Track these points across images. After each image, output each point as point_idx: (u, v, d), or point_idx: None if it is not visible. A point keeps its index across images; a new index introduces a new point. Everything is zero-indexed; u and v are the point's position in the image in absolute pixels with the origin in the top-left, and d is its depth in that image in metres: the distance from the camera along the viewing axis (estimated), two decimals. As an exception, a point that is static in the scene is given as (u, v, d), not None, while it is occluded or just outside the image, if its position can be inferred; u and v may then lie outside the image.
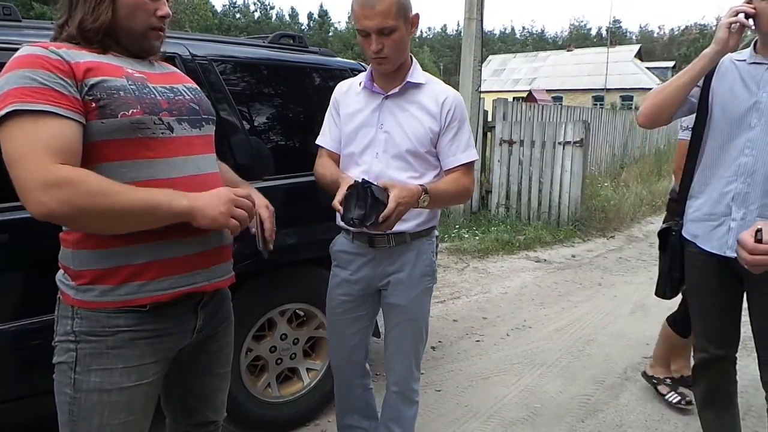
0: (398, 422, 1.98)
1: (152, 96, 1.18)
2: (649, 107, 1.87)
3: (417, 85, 1.72)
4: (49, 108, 1.03)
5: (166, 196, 1.10)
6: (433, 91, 1.73)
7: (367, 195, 1.48)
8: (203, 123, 1.30)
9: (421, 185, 1.62)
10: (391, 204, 1.49)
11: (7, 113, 1.01)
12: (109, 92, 1.11)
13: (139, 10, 1.20)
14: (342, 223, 1.80)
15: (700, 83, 1.82)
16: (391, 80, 1.71)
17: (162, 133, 1.17)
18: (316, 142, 1.86)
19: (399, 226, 1.62)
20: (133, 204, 1.05)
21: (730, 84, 1.76)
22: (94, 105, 1.10)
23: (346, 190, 1.52)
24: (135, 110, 1.13)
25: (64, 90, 1.06)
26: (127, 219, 1.07)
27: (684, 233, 1.91)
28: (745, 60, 1.76)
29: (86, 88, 1.09)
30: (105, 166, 1.11)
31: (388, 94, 1.72)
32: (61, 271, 1.21)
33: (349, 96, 1.79)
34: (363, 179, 1.53)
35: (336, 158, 1.83)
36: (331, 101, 1.85)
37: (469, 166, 1.76)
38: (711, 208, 1.80)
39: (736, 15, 1.65)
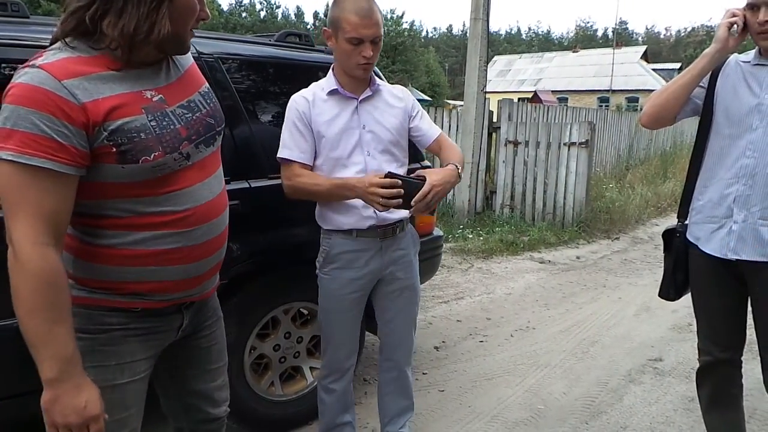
0: (409, 407, 2.20)
1: (172, 127, 1.14)
2: (651, 107, 1.87)
3: (380, 88, 1.90)
4: (45, 164, 0.98)
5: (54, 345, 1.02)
6: (388, 88, 1.94)
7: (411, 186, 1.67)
8: (216, 137, 1.28)
9: (451, 164, 1.83)
10: (425, 188, 1.66)
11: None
12: (130, 136, 1.06)
13: (190, 14, 1.13)
14: (346, 228, 1.85)
15: (705, 84, 1.82)
16: (358, 85, 1.83)
17: (179, 165, 1.16)
18: (283, 156, 1.81)
19: (401, 214, 1.87)
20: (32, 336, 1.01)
21: (734, 85, 1.76)
22: (114, 150, 1.05)
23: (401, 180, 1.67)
24: (156, 153, 1.10)
25: (65, 140, 0.99)
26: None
27: (687, 235, 1.90)
28: (749, 61, 1.76)
29: (105, 133, 1.04)
30: (121, 202, 1.11)
31: (362, 97, 1.83)
32: None
33: (318, 105, 1.81)
34: (395, 173, 1.71)
35: (309, 170, 1.84)
36: (293, 115, 1.81)
37: (443, 134, 2.01)
38: (712, 210, 1.80)
39: (734, 16, 1.67)
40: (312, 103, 1.81)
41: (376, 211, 1.81)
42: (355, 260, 1.88)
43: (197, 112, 1.22)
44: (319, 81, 1.87)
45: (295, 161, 1.81)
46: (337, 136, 1.80)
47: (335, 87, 1.80)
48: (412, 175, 1.71)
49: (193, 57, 2.00)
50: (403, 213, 1.89)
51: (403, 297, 2.01)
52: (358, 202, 1.79)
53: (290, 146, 1.82)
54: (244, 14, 60.23)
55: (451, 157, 1.88)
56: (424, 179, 1.68)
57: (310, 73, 2.47)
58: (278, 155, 1.83)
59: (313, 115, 1.80)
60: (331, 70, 1.84)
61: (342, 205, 1.84)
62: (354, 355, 2.05)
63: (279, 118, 2.36)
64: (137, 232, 1.13)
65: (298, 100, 1.83)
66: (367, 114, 1.83)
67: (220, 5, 51.46)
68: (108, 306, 1.16)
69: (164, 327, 1.26)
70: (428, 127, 1.96)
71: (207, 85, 1.33)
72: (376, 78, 1.90)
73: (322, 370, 2.06)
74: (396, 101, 1.90)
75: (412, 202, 1.66)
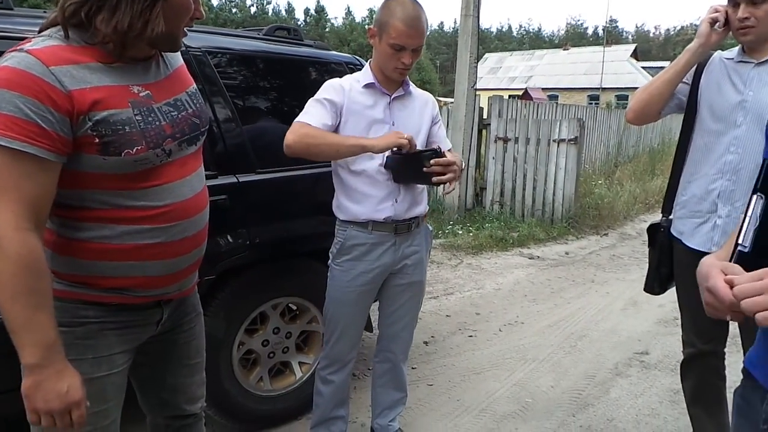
0: (401, 400, 2.24)
1: (157, 123, 1.14)
2: (636, 103, 1.89)
3: (411, 90, 1.96)
4: (26, 148, 0.97)
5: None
6: (418, 93, 2.00)
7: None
8: (199, 137, 1.28)
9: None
10: (450, 158, 1.75)
11: None
12: (114, 128, 1.06)
13: (184, 13, 1.13)
14: (362, 219, 1.87)
15: (689, 80, 1.85)
16: (392, 83, 1.89)
17: (161, 161, 1.16)
18: (303, 120, 1.76)
19: (417, 210, 1.95)
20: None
21: (718, 82, 1.79)
22: (97, 141, 1.05)
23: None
24: (139, 147, 1.09)
25: (48, 126, 0.99)
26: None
27: (672, 230, 1.92)
28: (733, 58, 1.79)
29: (90, 123, 1.04)
30: (100, 194, 1.11)
31: (395, 95, 1.89)
32: None
33: (353, 95, 1.84)
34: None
35: None
36: (326, 93, 1.81)
37: (452, 149, 2.08)
38: (696, 205, 1.82)
39: (716, 12, 1.71)
40: (348, 92, 1.83)
41: (394, 204, 1.87)
42: (368, 253, 1.91)
43: (183, 111, 1.22)
44: (354, 74, 1.93)
45: (311, 125, 1.76)
46: (368, 126, 1.84)
47: (372, 81, 1.85)
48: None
49: (181, 51, 2.00)
50: (419, 209, 1.96)
51: (409, 292, 2.05)
52: (375, 192, 1.85)
53: (313, 115, 1.77)
54: (234, 10, 59.87)
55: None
56: (437, 149, 1.77)
57: (299, 67, 2.47)
58: (297, 120, 1.78)
59: (346, 102, 1.82)
60: (368, 65, 1.90)
61: (359, 195, 1.87)
62: (356, 348, 2.07)
63: (267, 112, 2.37)
64: (116, 226, 1.13)
65: (335, 84, 1.84)
66: (398, 111, 1.90)
67: (209, 0, 51.09)
68: (85, 300, 1.16)
69: (142, 321, 1.26)
70: (443, 138, 2.04)
71: (195, 86, 1.33)
72: (408, 80, 1.96)
73: (323, 361, 2.07)
74: (423, 105, 1.99)
75: (433, 161, 1.72)
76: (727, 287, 0.83)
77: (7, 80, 0.97)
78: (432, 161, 1.73)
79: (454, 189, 1.85)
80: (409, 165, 1.78)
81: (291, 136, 1.74)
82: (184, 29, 1.18)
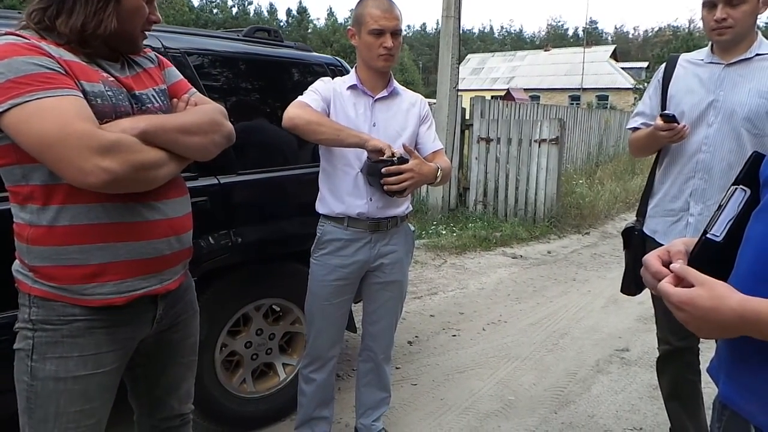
0: (384, 400, 2.25)
1: (125, 104, 1.17)
2: (635, 152, 2.04)
3: (397, 92, 2.00)
4: (69, 92, 1.04)
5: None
6: (408, 95, 2.04)
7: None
8: None
9: (435, 164, 1.91)
10: (404, 166, 1.76)
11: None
12: (88, 98, 1.09)
13: (137, 16, 1.20)
14: (337, 212, 1.91)
15: (659, 92, 1.89)
16: (377, 84, 1.94)
17: None
18: (307, 101, 1.84)
19: (394, 210, 1.96)
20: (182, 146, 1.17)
21: (688, 84, 1.83)
22: None
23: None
24: (109, 120, 1.11)
25: (66, 75, 1.06)
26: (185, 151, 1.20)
27: (645, 229, 1.96)
28: (702, 59, 1.82)
29: None
30: None
31: (379, 96, 1.94)
32: (17, 262, 1.20)
33: (338, 96, 1.91)
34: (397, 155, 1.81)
35: None
36: (318, 86, 1.90)
37: (442, 150, 2.11)
38: (670, 204, 1.87)
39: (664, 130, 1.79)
40: (335, 91, 1.91)
41: (368, 202, 1.90)
42: (343, 248, 1.94)
43: (148, 104, 1.24)
44: (342, 77, 2.00)
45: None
46: (349, 126, 1.86)
47: (354, 82, 1.91)
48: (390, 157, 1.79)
49: (159, 51, 1.98)
50: (397, 210, 1.98)
51: (388, 291, 2.07)
52: (351, 188, 1.89)
53: (313, 100, 1.85)
54: (215, 11, 59.33)
55: (440, 163, 1.96)
56: (394, 159, 1.77)
57: (279, 68, 2.47)
58: (299, 99, 1.86)
59: (332, 99, 1.88)
60: (353, 69, 1.97)
61: (337, 189, 1.91)
62: (337, 346, 2.09)
63: (247, 114, 2.36)
64: (83, 205, 1.11)
65: (326, 81, 1.93)
66: (380, 113, 1.94)
67: (190, 1, 50.60)
68: (67, 302, 1.14)
69: (133, 319, 1.24)
70: (431, 139, 2.05)
71: (165, 86, 1.34)
72: (394, 81, 1.99)
73: (305, 359, 2.09)
74: (412, 107, 2.01)
75: (383, 170, 1.74)
76: (657, 263, 0.90)
77: (12, 50, 1.04)
78: (383, 170, 1.75)
79: (407, 195, 1.87)
80: (372, 172, 1.80)
81: (296, 110, 1.80)
82: (143, 33, 1.24)
